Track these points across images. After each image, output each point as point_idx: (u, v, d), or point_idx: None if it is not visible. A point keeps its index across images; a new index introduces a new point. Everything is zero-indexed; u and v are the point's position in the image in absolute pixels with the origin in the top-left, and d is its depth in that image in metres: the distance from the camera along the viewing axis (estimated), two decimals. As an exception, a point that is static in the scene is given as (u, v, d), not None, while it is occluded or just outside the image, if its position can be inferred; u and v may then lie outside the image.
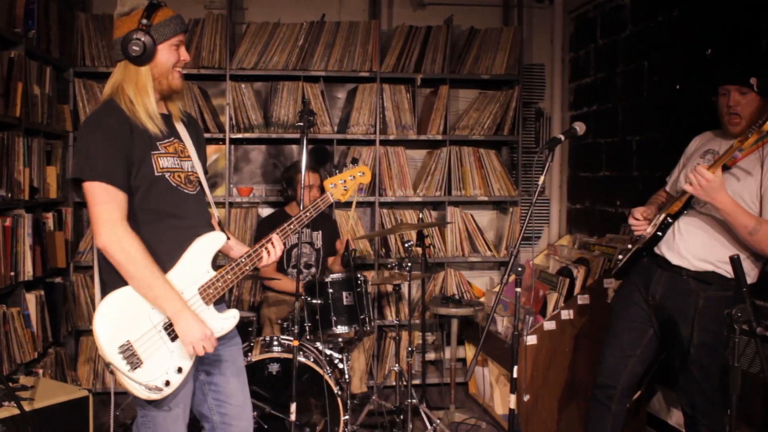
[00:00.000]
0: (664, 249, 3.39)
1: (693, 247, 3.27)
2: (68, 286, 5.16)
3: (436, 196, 5.76)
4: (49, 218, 4.81)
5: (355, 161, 3.33)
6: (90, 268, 5.34)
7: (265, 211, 5.66)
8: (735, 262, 2.53)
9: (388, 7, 6.04)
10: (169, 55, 2.61)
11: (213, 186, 5.79)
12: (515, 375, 3.10)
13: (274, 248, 2.81)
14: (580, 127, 3.21)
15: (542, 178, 3.07)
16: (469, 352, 5.75)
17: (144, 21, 2.54)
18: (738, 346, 2.44)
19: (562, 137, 3.15)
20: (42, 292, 4.55)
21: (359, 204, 5.83)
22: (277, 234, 2.83)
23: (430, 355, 5.97)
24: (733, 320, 2.43)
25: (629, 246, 3.60)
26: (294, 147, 5.91)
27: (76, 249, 5.29)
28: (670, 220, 3.34)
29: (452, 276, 5.86)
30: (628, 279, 3.62)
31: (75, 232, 5.32)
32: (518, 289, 3.09)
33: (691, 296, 3.26)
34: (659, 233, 3.37)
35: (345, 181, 3.05)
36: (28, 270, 4.26)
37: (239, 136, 5.50)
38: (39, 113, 4.58)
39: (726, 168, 3.16)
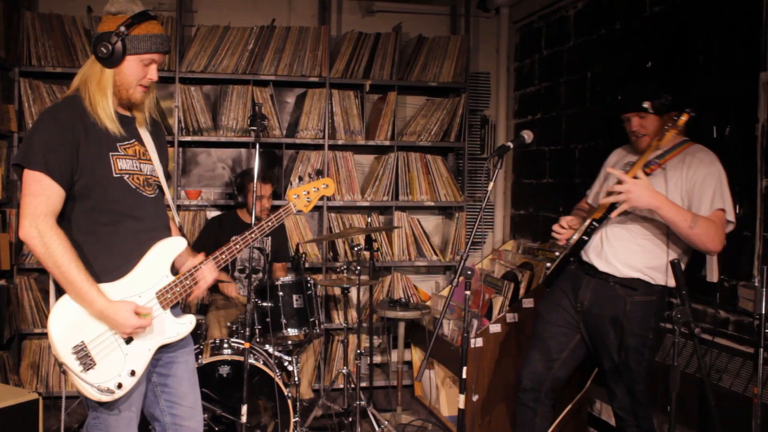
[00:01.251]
0: (592, 256, 3.51)
1: (620, 254, 3.40)
2: (12, 288, 5.08)
3: (383, 201, 5.84)
4: (-7, 219, 4.75)
5: (319, 173, 3.39)
6: (34, 271, 5.27)
7: (213, 214, 5.64)
8: (675, 266, 2.66)
9: (338, 13, 6.10)
10: (135, 68, 2.61)
11: (160, 189, 5.75)
12: (464, 375, 3.16)
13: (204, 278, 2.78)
14: (528, 136, 3.31)
15: (491, 184, 3.15)
16: (415, 355, 5.83)
17: (122, 28, 2.54)
18: (677, 346, 2.56)
19: (511, 145, 3.25)
20: (-15, 295, 4.49)
21: (308, 208, 5.86)
22: (240, 241, 2.85)
23: (377, 358, 6.04)
24: (673, 321, 2.55)
25: (557, 254, 3.72)
26: (243, 150, 5.92)
27: (20, 251, 5.22)
28: (596, 224, 3.47)
29: (399, 280, 5.94)
30: (557, 284, 3.73)
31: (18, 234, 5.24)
32: (467, 292, 3.16)
33: (618, 302, 3.39)
34: (585, 237, 3.49)
35: (308, 193, 3.09)
36: (-29, 272, 4.21)
37: (188, 138, 5.50)
38: (-16, 113, 4.52)
39: (647, 174, 3.29)
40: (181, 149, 5.70)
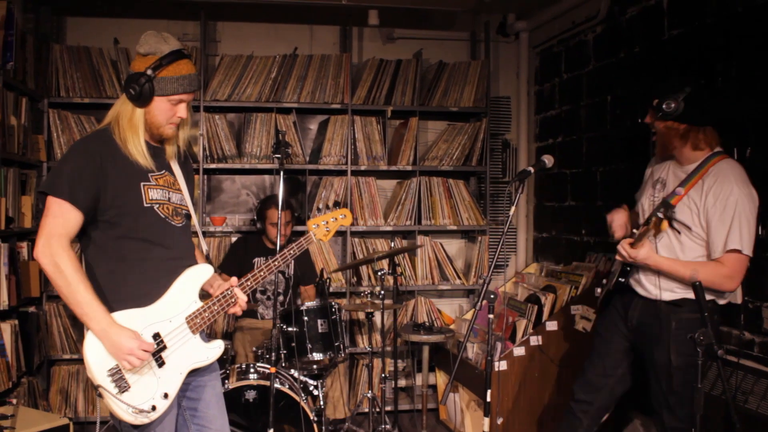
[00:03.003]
0: (634, 284, 3.51)
1: (657, 281, 3.38)
2: (41, 315, 5.16)
3: (406, 226, 5.88)
4: (24, 248, 4.83)
5: (337, 204, 3.44)
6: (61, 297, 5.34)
7: (238, 240, 5.71)
8: (697, 288, 2.66)
9: (359, 41, 6.19)
10: (165, 108, 2.69)
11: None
12: (488, 399, 3.18)
13: (239, 300, 2.84)
14: (548, 160, 3.34)
15: (513, 209, 3.20)
16: (439, 378, 5.84)
17: (150, 71, 2.62)
18: (701, 368, 2.56)
19: (532, 169, 3.28)
20: (16, 322, 4.56)
21: (331, 233, 5.91)
22: (264, 269, 2.90)
23: (402, 382, 6.06)
24: (696, 343, 2.56)
25: (604, 282, 3.73)
26: (266, 177, 6.00)
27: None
28: (628, 268, 3.52)
29: (422, 304, 5.97)
30: (611, 303, 3.71)
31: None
32: (491, 316, 3.20)
33: (664, 320, 3.35)
34: (621, 280, 3.54)
35: (327, 222, 3.16)
36: (3, 299, 4.29)
37: (213, 166, 5.58)
38: (15, 143, 4.62)
39: (673, 206, 3.23)
40: (206, 176, 5.79)
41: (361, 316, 5.77)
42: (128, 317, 2.61)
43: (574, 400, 3.76)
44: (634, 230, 3.39)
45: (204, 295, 2.83)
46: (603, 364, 3.67)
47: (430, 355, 5.40)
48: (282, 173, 3.74)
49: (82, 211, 2.56)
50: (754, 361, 3.73)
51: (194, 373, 2.80)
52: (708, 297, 3.27)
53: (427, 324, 5.38)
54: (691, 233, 3.27)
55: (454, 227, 5.98)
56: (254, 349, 4.70)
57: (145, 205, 2.67)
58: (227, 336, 5.30)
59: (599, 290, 3.75)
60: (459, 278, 5.98)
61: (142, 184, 2.68)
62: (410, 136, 5.87)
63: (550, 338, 4.71)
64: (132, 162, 2.65)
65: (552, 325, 4.73)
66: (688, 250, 3.31)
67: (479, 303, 3.16)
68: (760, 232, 3.65)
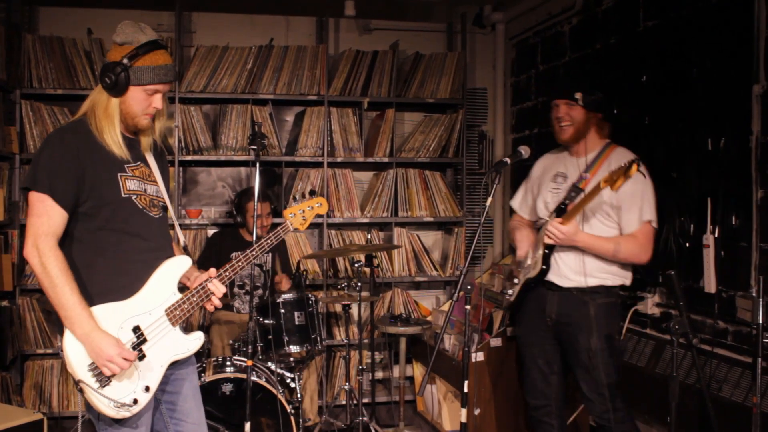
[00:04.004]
0: (552, 275, 3.64)
1: (575, 267, 3.56)
2: (14, 309, 5.11)
3: (383, 217, 5.87)
4: (-4, 241, 4.79)
5: (312, 193, 3.43)
6: (36, 291, 5.29)
7: (214, 232, 5.67)
8: (671, 279, 2.69)
9: (335, 32, 6.17)
10: (140, 98, 2.66)
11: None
12: (466, 390, 3.19)
13: (216, 291, 2.82)
14: (525, 151, 3.37)
15: (489, 199, 3.20)
16: (416, 370, 5.85)
17: (125, 60, 2.59)
18: (675, 357, 2.58)
19: (508, 160, 3.31)
20: (-12, 316, 4.52)
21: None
22: (242, 259, 2.88)
23: (379, 374, 6.06)
24: (671, 332, 2.58)
25: (515, 281, 3.83)
26: (243, 169, 5.97)
27: (22, 272, 5.25)
28: (548, 252, 3.61)
29: (399, 295, 5.97)
30: (524, 308, 3.85)
31: (21, 255, 5.27)
32: (468, 307, 3.20)
33: (583, 307, 3.52)
34: (544, 267, 3.62)
35: (304, 211, 3.13)
36: (-25, 293, 4.24)
37: (188, 158, 5.54)
38: (-14, 136, 4.56)
39: (581, 189, 3.47)
40: (181, 169, 5.74)
41: (339, 308, 5.76)
42: (108, 311, 2.59)
43: (532, 408, 3.86)
44: (563, 204, 3.56)
45: (182, 287, 2.81)
46: (538, 366, 3.80)
47: (407, 347, 5.40)
48: (258, 165, 3.72)
49: (65, 207, 2.54)
50: (728, 349, 3.77)
51: (173, 366, 2.78)
52: (617, 282, 3.56)
53: (404, 316, 5.39)
54: (600, 217, 3.50)
55: (431, 219, 5.99)
56: (231, 341, 4.68)
57: (123, 195, 2.64)
58: (203, 329, 5.27)
59: (511, 292, 3.87)
60: (436, 270, 5.99)
61: (119, 174, 2.65)
62: (387, 127, 5.85)
63: (527, 329, 4.72)
64: (108, 152, 2.62)
65: (528, 316, 4.74)
66: (598, 232, 3.52)
67: (456, 294, 3.17)
68: (733, 222, 3.70)
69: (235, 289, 5.10)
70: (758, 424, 2.87)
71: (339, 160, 5.79)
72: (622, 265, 3.55)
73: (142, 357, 2.62)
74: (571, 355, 3.64)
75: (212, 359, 4.31)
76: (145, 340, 2.64)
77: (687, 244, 4.01)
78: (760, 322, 2.81)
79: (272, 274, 5.15)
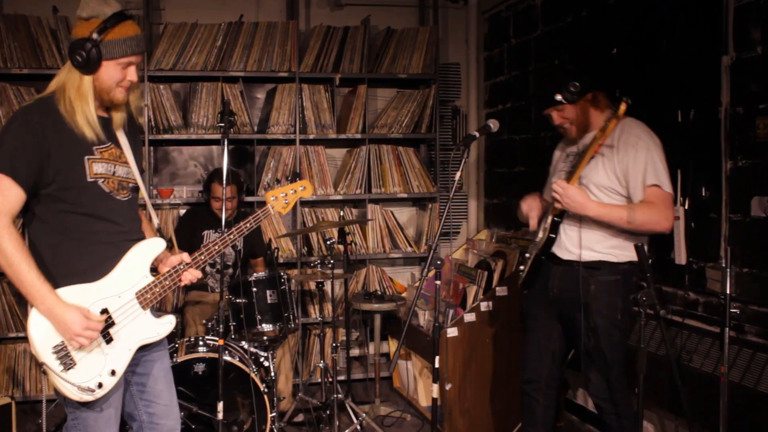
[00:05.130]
0: (555, 248, 3.58)
1: (578, 241, 3.46)
2: (-16, 293, 5.05)
3: (356, 194, 5.85)
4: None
5: (297, 176, 3.38)
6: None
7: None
8: (639, 249, 2.69)
9: (306, 8, 6.10)
10: (114, 72, 2.60)
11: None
12: (437, 365, 3.19)
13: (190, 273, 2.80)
14: (494, 124, 3.35)
15: (458, 174, 3.18)
16: (392, 346, 5.86)
17: (95, 34, 2.52)
18: (643, 329, 2.59)
19: (477, 134, 3.29)
20: (-43, 300, 4.46)
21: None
22: (219, 242, 2.84)
23: (355, 351, 6.06)
24: (638, 304, 2.58)
25: (527, 255, 3.77)
26: (215, 148, 5.91)
27: (-9, 255, 5.17)
28: (557, 220, 3.53)
29: (374, 272, 5.96)
30: (533, 282, 3.78)
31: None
32: (438, 282, 3.20)
33: (583, 283, 3.43)
34: (552, 235, 3.55)
35: (286, 195, 3.07)
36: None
37: (159, 137, 5.48)
38: (-50, 117, 4.47)
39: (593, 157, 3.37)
40: (152, 148, 5.68)
41: (313, 286, 5.74)
42: (74, 293, 2.54)
43: (524, 382, 3.83)
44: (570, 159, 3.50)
45: (154, 270, 2.77)
46: (537, 340, 3.75)
47: (382, 324, 5.40)
48: (227, 143, 3.67)
49: (24, 187, 2.48)
50: (699, 320, 3.79)
51: (143, 349, 2.76)
52: (623, 259, 3.40)
53: (379, 293, 5.38)
54: (609, 190, 3.38)
55: (405, 195, 5.96)
56: (204, 321, 4.64)
57: (89, 179, 2.58)
58: (178, 310, 5.23)
59: (523, 267, 3.80)
60: (410, 246, 5.98)
61: (86, 157, 2.59)
62: (359, 104, 5.81)
63: (501, 303, 4.73)
64: (76, 134, 2.56)
65: (502, 291, 4.75)
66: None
67: (425, 270, 3.16)
68: (703, 194, 3.71)
69: (207, 268, 5.06)
70: (726, 393, 2.89)
71: (311, 137, 5.75)
72: (627, 238, 3.38)
73: (109, 340, 2.59)
74: (570, 332, 3.60)
75: (185, 339, 4.29)
76: (113, 323, 2.61)
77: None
78: (728, 292, 2.82)
79: (244, 253, 5.12)
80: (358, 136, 5.82)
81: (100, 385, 2.55)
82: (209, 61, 5.53)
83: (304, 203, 5.80)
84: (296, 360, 5.59)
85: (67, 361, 2.50)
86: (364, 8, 6.06)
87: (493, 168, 6.21)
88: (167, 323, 2.78)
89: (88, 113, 2.58)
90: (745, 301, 3.50)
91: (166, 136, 5.49)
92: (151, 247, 2.75)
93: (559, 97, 3.40)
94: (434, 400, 3.24)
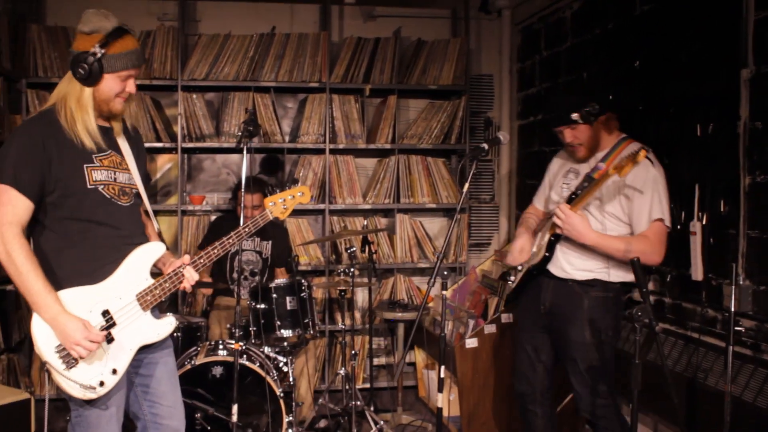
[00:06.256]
0: (549, 266, 3.59)
1: (573, 261, 3.49)
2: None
3: (385, 204, 5.89)
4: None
5: (295, 181, 3.44)
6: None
7: (218, 219, 5.74)
8: (635, 265, 2.68)
9: (339, 19, 6.18)
10: (114, 84, 2.70)
11: (166, 195, 5.88)
12: (442, 374, 3.22)
13: (188, 277, 2.86)
14: (503, 137, 3.40)
15: (466, 185, 3.23)
16: (418, 356, 5.87)
17: (97, 48, 2.62)
18: (638, 344, 2.58)
19: (486, 146, 3.31)
20: (-8, 300, 4.62)
21: (310, 212, 5.94)
22: (218, 246, 2.91)
23: (381, 360, 6.09)
24: (634, 319, 2.57)
25: (519, 267, 3.77)
26: (248, 156, 6.00)
27: (28, 257, 5.33)
28: (554, 239, 3.54)
29: (401, 281, 5.99)
30: (523, 294, 3.81)
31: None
32: (444, 292, 3.23)
33: (576, 299, 3.45)
34: (547, 254, 3.57)
35: (285, 200, 3.15)
36: (-24, 278, 4.32)
37: (191, 145, 5.60)
38: (-9, 124, 4.65)
39: (595, 179, 3.36)
40: (185, 156, 5.81)
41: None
42: (77, 295, 2.64)
43: (517, 395, 3.84)
44: (574, 194, 3.45)
45: (157, 273, 2.85)
46: (527, 353, 3.76)
47: (406, 333, 5.42)
48: (246, 148, 3.77)
49: (30, 197, 2.59)
50: (717, 338, 3.73)
51: (146, 350, 2.84)
52: (616, 279, 3.43)
53: (403, 302, 5.41)
54: (611, 215, 3.40)
55: (433, 205, 5.99)
56: (228, 326, 4.73)
57: (89, 186, 2.69)
58: (205, 314, 5.34)
59: (513, 279, 3.81)
60: (439, 256, 5.98)
61: (85, 166, 2.69)
62: (389, 114, 5.86)
63: (522, 316, 4.72)
64: (76, 144, 2.67)
65: (523, 303, 4.73)
66: (610, 232, 3.42)
67: (432, 279, 3.19)
68: (721, 209, 3.67)
69: (234, 275, 5.15)
70: (729, 412, 2.86)
71: (341, 146, 5.82)
72: (621, 260, 3.39)
73: (110, 340, 2.68)
74: (560, 346, 3.60)
75: (207, 343, 4.37)
76: (114, 324, 2.70)
77: (678, 227, 3.95)
78: (733, 309, 2.79)
79: (270, 261, 5.20)
80: (388, 146, 5.87)
81: (101, 383, 2.64)
82: (241, 72, 5.64)
83: (333, 212, 5.86)
84: (323, 366, 5.64)
85: (69, 360, 2.59)
86: (396, 20, 6.11)
87: (524, 180, 6.19)
88: (167, 324, 2.86)
89: (88, 123, 2.68)
90: (762, 319, 3.43)
91: (198, 144, 5.62)
92: (151, 251, 2.84)
93: (575, 116, 3.39)
94: (439, 409, 3.27)
